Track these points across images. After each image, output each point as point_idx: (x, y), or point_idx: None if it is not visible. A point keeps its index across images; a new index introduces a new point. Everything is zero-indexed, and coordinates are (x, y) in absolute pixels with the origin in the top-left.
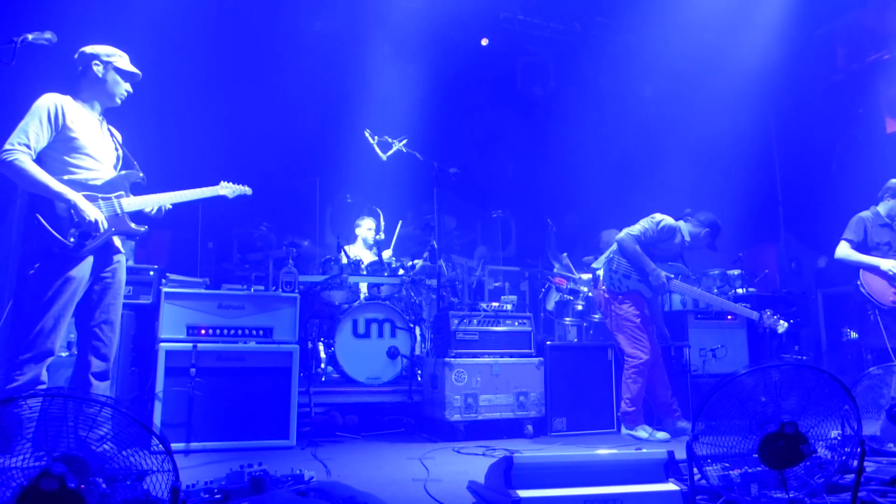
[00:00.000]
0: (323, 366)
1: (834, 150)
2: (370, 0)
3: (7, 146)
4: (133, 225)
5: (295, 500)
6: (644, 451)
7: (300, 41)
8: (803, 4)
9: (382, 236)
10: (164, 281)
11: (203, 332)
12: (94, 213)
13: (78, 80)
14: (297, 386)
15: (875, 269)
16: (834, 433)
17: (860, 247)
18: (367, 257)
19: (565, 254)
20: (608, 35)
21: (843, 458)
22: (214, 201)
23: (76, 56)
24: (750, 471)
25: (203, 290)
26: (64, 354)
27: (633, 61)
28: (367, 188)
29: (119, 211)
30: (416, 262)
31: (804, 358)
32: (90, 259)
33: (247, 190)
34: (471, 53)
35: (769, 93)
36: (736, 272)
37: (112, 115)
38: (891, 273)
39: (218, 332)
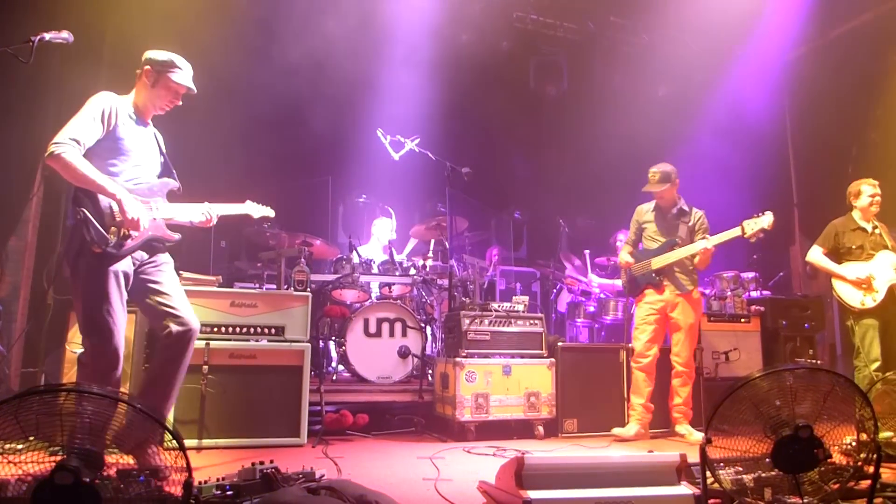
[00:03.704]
0: (334, 364)
1: (850, 151)
2: None
3: (58, 139)
4: (168, 232)
5: (306, 498)
6: (656, 453)
7: (312, 40)
8: (820, 3)
9: (394, 236)
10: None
11: (216, 329)
12: (136, 211)
13: (136, 81)
14: (308, 384)
15: (841, 276)
16: (849, 438)
17: (831, 254)
18: (381, 257)
19: (587, 252)
20: (622, 35)
21: (859, 463)
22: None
23: (142, 58)
24: (764, 475)
25: (216, 289)
26: None
27: (647, 61)
28: (379, 187)
29: (156, 216)
30: (427, 261)
31: (819, 362)
32: (129, 259)
33: (270, 211)
34: (484, 53)
35: (785, 93)
36: (751, 275)
37: None
38: (854, 278)
39: (230, 329)
